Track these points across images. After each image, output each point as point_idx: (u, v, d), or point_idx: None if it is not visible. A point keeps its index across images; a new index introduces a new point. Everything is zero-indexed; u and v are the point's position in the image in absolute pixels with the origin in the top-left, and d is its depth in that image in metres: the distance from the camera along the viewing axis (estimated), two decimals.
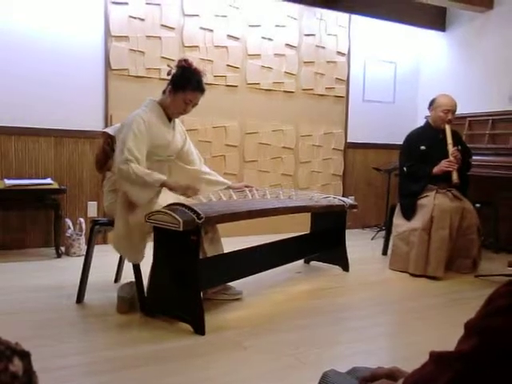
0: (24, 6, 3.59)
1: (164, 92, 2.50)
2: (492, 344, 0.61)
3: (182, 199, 2.49)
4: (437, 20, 5.05)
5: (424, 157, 3.45)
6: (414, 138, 3.57)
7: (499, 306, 0.62)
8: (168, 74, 2.48)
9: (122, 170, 2.27)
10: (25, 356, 0.56)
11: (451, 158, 3.33)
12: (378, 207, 5.09)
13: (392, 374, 0.89)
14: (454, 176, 3.30)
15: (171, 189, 2.36)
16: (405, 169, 3.52)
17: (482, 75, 4.62)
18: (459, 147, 3.43)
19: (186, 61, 2.47)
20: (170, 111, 2.50)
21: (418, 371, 0.73)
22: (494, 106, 4.24)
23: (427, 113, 3.68)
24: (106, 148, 2.59)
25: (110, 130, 2.64)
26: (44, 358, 1.84)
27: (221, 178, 2.81)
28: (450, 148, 3.37)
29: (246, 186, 2.85)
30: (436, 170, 3.36)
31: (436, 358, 0.69)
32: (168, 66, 2.55)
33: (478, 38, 4.68)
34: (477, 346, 0.62)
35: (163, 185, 2.32)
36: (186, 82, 2.41)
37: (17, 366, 0.52)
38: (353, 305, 2.69)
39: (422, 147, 3.48)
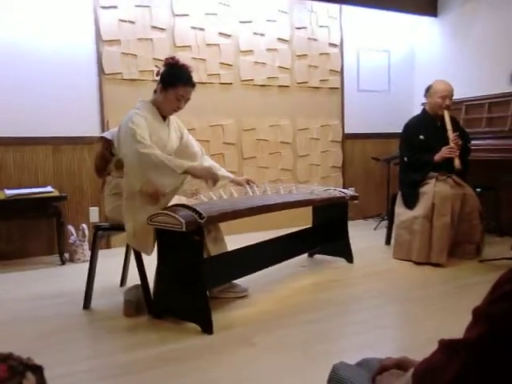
0: (13, 15, 3.57)
1: (155, 91, 2.49)
2: (498, 330, 0.61)
3: (183, 200, 2.50)
4: (428, 6, 5.03)
5: (424, 146, 3.43)
6: (412, 127, 3.55)
7: (505, 292, 0.62)
8: (157, 75, 2.47)
9: (145, 153, 2.20)
10: (37, 370, 0.57)
11: (452, 145, 3.32)
12: (379, 197, 5.08)
13: (401, 364, 0.90)
14: (456, 162, 3.29)
15: (195, 175, 2.29)
16: (405, 159, 3.52)
17: (476, 59, 4.60)
18: (458, 133, 3.42)
19: (172, 58, 2.47)
20: (163, 109, 2.49)
21: (427, 360, 0.73)
22: (490, 90, 4.22)
23: (423, 99, 3.67)
24: (105, 153, 2.59)
25: (107, 135, 2.64)
26: (53, 364, 1.84)
27: (223, 171, 2.78)
28: (450, 134, 3.35)
29: (248, 181, 2.85)
30: (437, 157, 3.34)
31: (445, 346, 0.69)
32: (156, 66, 2.55)
33: (471, 22, 4.67)
34: (483, 333, 0.62)
35: (186, 171, 2.24)
36: (175, 79, 2.41)
37: (30, 380, 0.52)
38: (359, 296, 2.70)
39: (421, 137, 3.46)
